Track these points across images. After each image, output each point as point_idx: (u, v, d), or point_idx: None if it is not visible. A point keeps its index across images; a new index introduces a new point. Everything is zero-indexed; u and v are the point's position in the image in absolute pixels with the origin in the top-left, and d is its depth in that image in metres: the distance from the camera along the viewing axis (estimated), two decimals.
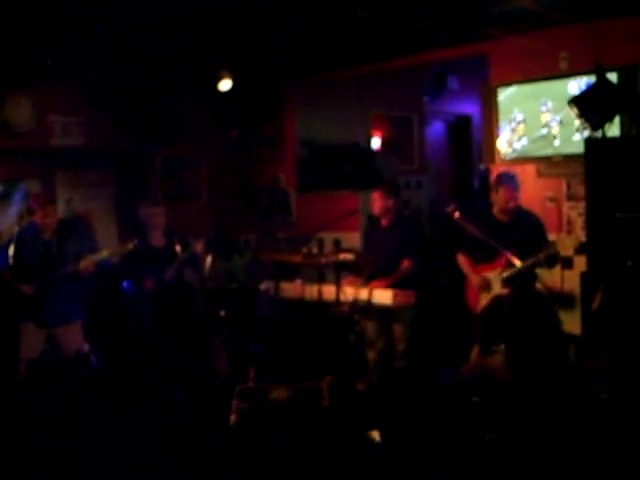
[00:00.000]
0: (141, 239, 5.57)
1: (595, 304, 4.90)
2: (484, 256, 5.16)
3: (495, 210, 5.26)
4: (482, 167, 7.98)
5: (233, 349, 6.04)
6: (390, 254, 5.58)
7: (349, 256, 5.65)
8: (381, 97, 8.47)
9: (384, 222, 5.74)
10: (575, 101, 5.31)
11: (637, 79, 5.45)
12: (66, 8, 4.94)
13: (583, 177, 5.38)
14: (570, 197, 5.95)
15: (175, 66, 6.99)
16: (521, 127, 6.16)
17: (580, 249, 5.47)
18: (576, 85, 5.73)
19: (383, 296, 5.40)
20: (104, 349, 5.97)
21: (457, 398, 4.52)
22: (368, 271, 5.68)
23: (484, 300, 4.98)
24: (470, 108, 9.00)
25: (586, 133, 5.42)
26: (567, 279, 5.76)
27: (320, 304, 5.57)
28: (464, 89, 8.70)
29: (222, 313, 6.36)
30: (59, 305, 5.28)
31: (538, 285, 5.23)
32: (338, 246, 7.24)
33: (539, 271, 5.23)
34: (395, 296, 5.35)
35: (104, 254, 5.28)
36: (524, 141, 6.16)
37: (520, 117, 6.16)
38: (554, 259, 5.07)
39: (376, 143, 8.69)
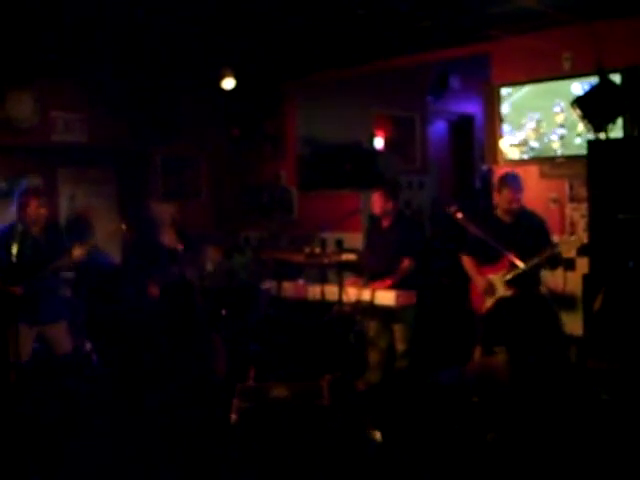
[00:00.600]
0: (149, 237, 5.55)
1: (597, 305, 4.90)
2: (488, 257, 5.15)
3: (498, 211, 5.26)
4: (484, 167, 7.98)
5: (234, 348, 6.03)
6: (390, 254, 5.57)
7: (351, 256, 5.66)
8: (383, 96, 8.46)
9: (385, 223, 5.74)
10: (578, 102, 5.31)
11: None
12: (68, 4, 4.93)
13: (585, 178, 5.37)
14: (572, 198, 5.94)
15: (177, 64, 6.99)
16: (538, 126, 6.14)
17: (582, 250, 5.46)
18: (579, 86, 5.73)
19: (386, 297, 5.39)
20: (104, 347, 5.97)
21: (457, 398, 4.52)
22: (369, 271, 5.69)
23: (489, 303, 4.98)
24: (472, 108, 8.99)
25: (589, 134, 5.42)
26: (569, 281, 5.75)
27: (322, 304, 5.56)
28: (466, 88, 8.69)
29: (223, 312, 6.36)
30: (49, 302, 5.24)
31: (542, 288, 5.22)
32: (340, 246, 7.23)
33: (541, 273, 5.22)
34: (398, 297, 5.35)
35: (93, 242, 5.25)
36: (542, 140, 6.13)
37: (536, 116, 6.13)
38: (556, 260, 5.06)
39: (378, 143, 8.68)
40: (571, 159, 5.85)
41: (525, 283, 4.95)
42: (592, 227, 5.24)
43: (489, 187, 6.43)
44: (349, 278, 5.75)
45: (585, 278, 5.31)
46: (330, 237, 7.29)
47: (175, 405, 5.26)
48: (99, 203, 7.64)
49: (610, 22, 5.52)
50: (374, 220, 6.00)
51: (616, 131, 5.35)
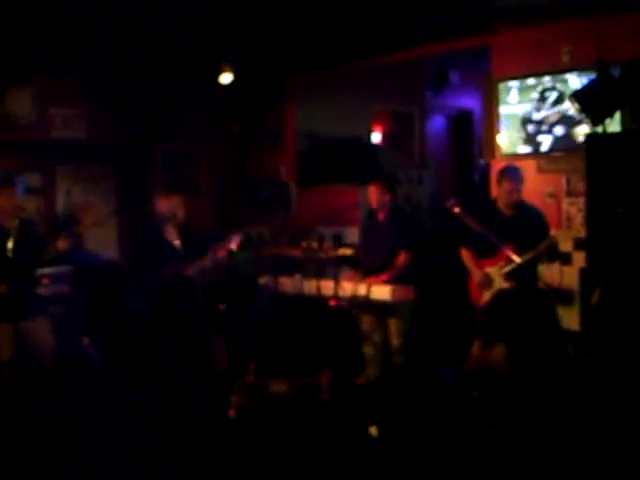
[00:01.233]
0: (154, 233, 5.54)
1: (594, 300, 4.90)
2: (486, 251, 5.16)
3: (500, 204, 5.27)
4: (482, 162, 7.98)
5: (233, 344, 6.04)
6: (386, 248, 5.57)
7: (348, 251, 5.66)
8: (382, 91, 8.46)
9: (380, 216, 5.72)
10: (576, 96, 5.30)
11: None
12: (67, 1, 4.93)
13: (583, 173, 5.37)
14: (570, 193, 5.94)
15: (176, 59, 6.99)
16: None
17: (579, 245, 5.47)
18: (577, 80, 5.72)
19: (382, 291, 5.38)
20: (103, 342, 5.98)
21: (456, 393, 4.54)
22: (366, 266, 5.69)
23: (487, 296, 4.99)
24: (471, 102, 8.98)
25: (587, 128, 5.42)
26: (566, 275, 5.75)
27: (319, 299, 5.56)
28: (465, 83, 8.69)
29: (222, 307, 6.37)
30: (24, 298, 5.16)
31: (540, 283, 5.23)
32: (338, 241, 7.23)
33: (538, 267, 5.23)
34: (394, 291, 5.34)
35: (78, 233, 5.21)
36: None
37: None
38: (554, 251, 5.07)
39: (377, 137, 8.68)
40: (569, 153, 5.85)
41: (523, 276, 4.96)
42: (590, 221, 5.23)
43: (488, 181, 6.43)
44: (346, 272, 5.75)
45: (582, 272, 5.32)
46: (329, 232, 7.30)
47: (175, 401, 5.27)
48: (98, 200, 7.66)
49: (610, 16, 5.49)
50: (371, 214, 6.01)
51: (614, 125, 5.35)
